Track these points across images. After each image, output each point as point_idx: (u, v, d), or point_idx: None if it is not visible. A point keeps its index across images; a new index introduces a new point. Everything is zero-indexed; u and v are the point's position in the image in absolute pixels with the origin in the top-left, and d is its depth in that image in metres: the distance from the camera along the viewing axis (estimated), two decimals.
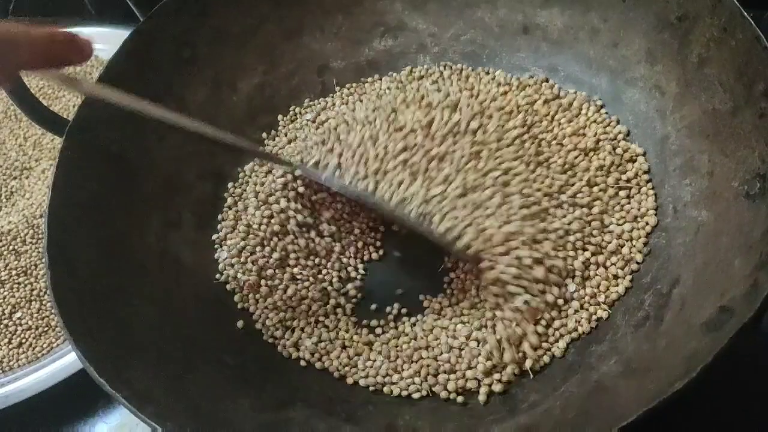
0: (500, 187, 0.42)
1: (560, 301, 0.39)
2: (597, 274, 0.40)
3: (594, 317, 0.39)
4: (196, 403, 0.36)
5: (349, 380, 0.40)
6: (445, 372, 0.39)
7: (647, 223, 0.41)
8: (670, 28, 0.42)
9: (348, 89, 0.53)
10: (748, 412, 0.39)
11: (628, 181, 0.43)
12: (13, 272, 0.57)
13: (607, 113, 0.46)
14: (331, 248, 0.45)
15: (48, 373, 0.51)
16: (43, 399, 0.49)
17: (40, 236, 0.57)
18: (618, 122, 0.45)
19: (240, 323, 0.43)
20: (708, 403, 0.38)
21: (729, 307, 0.32)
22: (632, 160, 0.44)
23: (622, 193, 0.42)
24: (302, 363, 0.42)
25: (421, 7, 0.53)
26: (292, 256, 0.45)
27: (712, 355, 0.28)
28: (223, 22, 0.51)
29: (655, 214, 0.41)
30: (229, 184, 0.49)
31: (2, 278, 0.56)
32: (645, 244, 0.41)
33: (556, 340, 0.39)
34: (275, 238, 0.45)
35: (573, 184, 0.43)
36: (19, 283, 0.56)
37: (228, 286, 0.45)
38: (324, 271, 0.45)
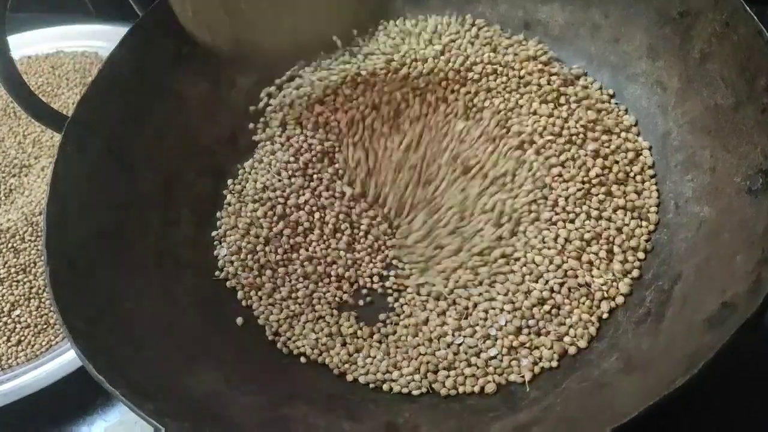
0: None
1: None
2: (599, 275, 0.40)
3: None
4: (195, 401, 0.36)
5: (349, 377, 0.40)
6: (444, 369, 0.39)
7: (649, 221, 0.41)
8: (672, 24, 0.42)
9: None
10: (750, 408, 0.39)
11: (633, 177, 0.42)
12: (12, 270, 0.56)
13: (617, 103, 0.46)
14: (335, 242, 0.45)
15: (47, 370, 0.51)
16: (42, 397, 0.49)
17: (39, 234, 0.57)
18: (626, 112, 0.45)
19: (239, 320, 0.43)
20: (710, 400, 0.38)
21: (731, 303, 0.31)
22: (638, 154, 0.43)
23: (629, 189, 0.42)
24: (302, 360, 0.41)
25: (422, 2, 0.53)
26: (294, 252, 0.45)
27: (714, 352, 0.28)
28: None
29: (657, 212, 0.41)
30: (229, 181, 0.49)
31: (1, 276, 0.56)
32: (647, 241, 0.40)
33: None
34: (276, 235, 0.45)
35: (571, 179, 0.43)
36: (18, 281, 0.56)
37: (228, 284, 0.44)
38: (327, 267, 0.45)
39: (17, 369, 0.52)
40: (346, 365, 0.41)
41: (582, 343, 0.38)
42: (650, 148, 0.43)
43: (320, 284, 0.44)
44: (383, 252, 0.45)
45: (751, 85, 0.37)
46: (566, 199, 0.42)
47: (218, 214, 0.48)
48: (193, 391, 0.36)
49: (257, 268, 0.44)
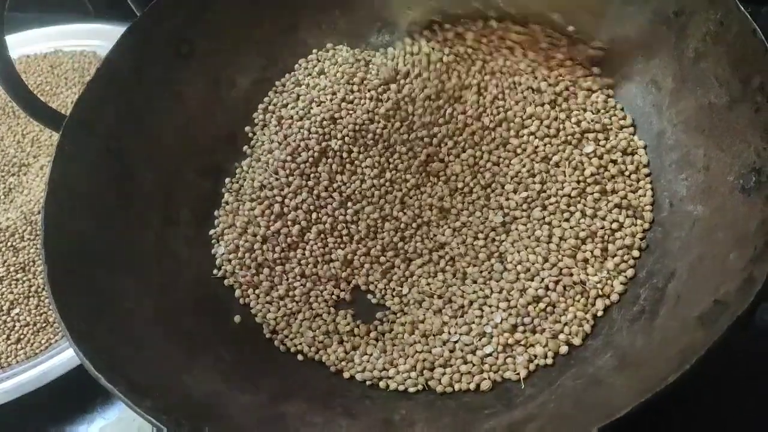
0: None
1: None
2: (594, 273, 0.40)
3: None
4: (193, 398, 0.36)
5: (346, 374, 0.41)
6: (440, 366, 0.39)
7: (644, 219, 0.41)
8: (667, 23, 0.42)
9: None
10: (742, 407, 0.39)
11: (628, 176, 0.43)
12: (12, 268, 0.57)
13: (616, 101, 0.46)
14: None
15: (46, 369, 0.51)
16: (42, 395, 0.49)
17: (38, 233, 0.57)
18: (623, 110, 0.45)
19: (237, 318, 0.43)
20: (702, 398, 0.38)
21: (723, 300, 0.32)
22: (633, 153, 0.43)
23: (619, 186, 0.42)
24: (299, 357, 0.42)
25: None
26: (292, 250, 0.45)
27: (705, 349, 0.28)
28: (221, 17, 0.50)
29: (651, 210, 0.41)
30: (227, 180, 0.49)
31: (0, 274, 0.57)
32: (642, 239, 0.41)
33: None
34: (273, 234, 0.45)
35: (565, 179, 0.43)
36: (17, 280, 0.56)
37: (226, 282, 0.45)
38: (324, 266, 0.45)
39: (16, 367, 0.53)
40: (343, 363, 0.41)
41: (577, 341, 0.38)
42: (645, 147, 0.43)
43: (317, 283, 0.44)
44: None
45: (745, 85, 0.37)
46: (561, 198, 0.42)
47: (216, 212, 0.48)
48: (191, 389, 0.36)
49: (255, 267, 0.45)
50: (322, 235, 0.46)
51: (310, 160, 0.47)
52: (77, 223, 0.40)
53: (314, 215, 0.46)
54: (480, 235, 0.43)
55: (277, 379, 0.40)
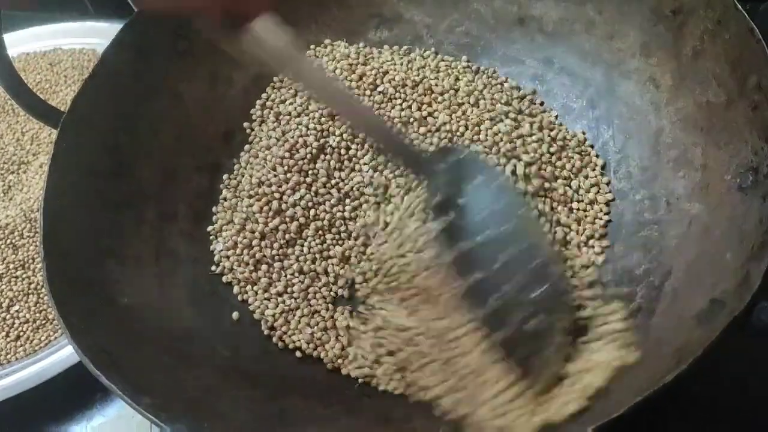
0: None
1: None
2: None
3: None
4: (192, 395, 0.36)
5: (344, 371, 0.41)
6: None
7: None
8: (665, 21, 0.42)
9: None
10: (739, 405, 0.39)
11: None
12: (11, 266, 0.57)
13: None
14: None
15: (45, 365, 0.51)
16: (41, 391, 0.49)
17: (38, 230, 0.57)
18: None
19: (235, 315, 0.43)
20: (700, 396, 0.38)
21: (720, 299, 0.32)
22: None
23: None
24: (297, 354, 0.42)
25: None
26: (290, 247, 0.45)
27: (702, 348, 0.28)
28: None
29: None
30: (225, 176, 0.49)
31: (0, 272, 0.57)
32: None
33: None
34: (271, 230, 0.45)
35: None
36: (16, 277, 0.56)
37: (224, 278, 0.45)
38: (322, 262, 0.45)
39: (16, 364, 0.53)
40: (340, 360, 0.41)
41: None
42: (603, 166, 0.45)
43: (315, 279, 0.44)
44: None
45: (743, 83, 0.37)
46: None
47: (214, 209, 0.48)
48: (189, 386, 0.36)
49: (253, 263, 0.45)
50: (320, 232, 0.46)
51: (308, 156, 0.47)
52: (75, 220, 0.40)
53: (312, 212, 0.46)
54: None
55: (276, 377, 0.40)
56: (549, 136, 0.46)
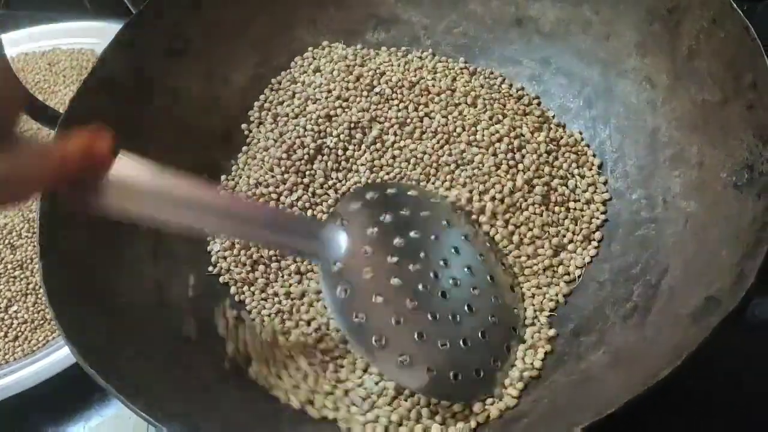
0: None
1: None
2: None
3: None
4: (188, 394, 0.36)
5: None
6: None
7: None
8: (661, 20, 0.42)
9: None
10: (734, 401, 0.39)
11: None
12: (9, 266, 0.57)
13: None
14: None
15: (44, 366, 0.51)
16: (39, 391, 0.49)
17: (35, 230, 0.58)
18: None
19: (234, 313, 0.43)
20: (695, 393, 0.38)
21: (716, 296, 0.32)
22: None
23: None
24: None
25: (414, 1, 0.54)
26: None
27: (696, 345, 0.28)
28: (215, 14, 0.51)
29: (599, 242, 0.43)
30: (222, 177, 0.49)
31: None
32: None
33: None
34: None
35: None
36: (15, 277, 0.57)
37: (221, 279, 0.45)
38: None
39: (14, 364, 0.53)
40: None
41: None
42: (600, 166, 0.45)
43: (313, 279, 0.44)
44: None
45: (738, 82, 0.37)
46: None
47: None
48: (185, 385, 0.36)
49: (250, 264, 0.45)
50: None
51: (306, 157, 0.47)
52: (72, 220, 0.40)
53: (310, 212, 0.46)
54: None
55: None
56: (546, 136, 0.46)
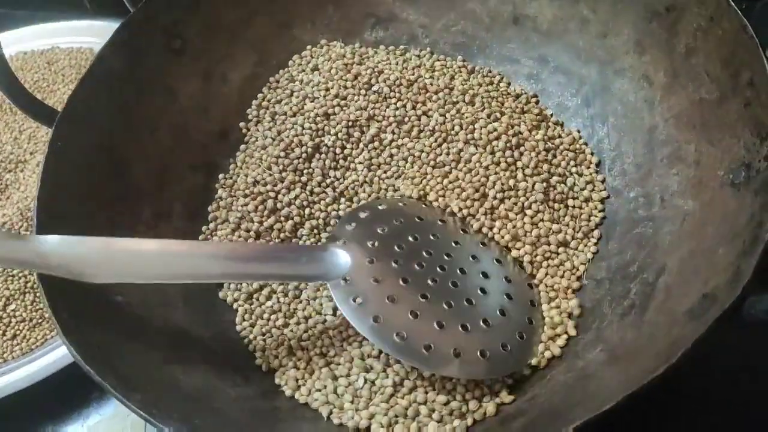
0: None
1: None
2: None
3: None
4: (184, 392, 0.36)
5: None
6: None
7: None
8: (658, 18, 0.42)
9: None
10: (731, 399, 0.39)
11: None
12: None
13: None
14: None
15: (42, 364, 0.51)
16: (38, 390, 0.49)
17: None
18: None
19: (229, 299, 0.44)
20: (692, 390, 0.38)
21: (712, 294, 0.32)
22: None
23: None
24: None
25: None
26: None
27: (691, 342, 0.28)
28: (213, 13, 0.51)
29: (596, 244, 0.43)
30: (220, 176, 0.49)
31: None
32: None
33: None
34: (266, 229, 0.45)
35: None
36: (13, 276, 0.56)
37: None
38: None
39: (12, 363, 0.53)
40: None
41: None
42: (598, 164, 0.45)
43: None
44: None
45: (735, 80, 0.37)
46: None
47: (209, 208, 0.48)
48: (182, 383, 0.36)
49: None
50: (315, 231, 0.46)
51: (304, 155, 0.47)
52: (70, 218, 0.40)
53: (307, 211, 0.46)
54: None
55: (268, 374, 0.40)
56: (544, 134, 0.46)
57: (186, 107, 0.49)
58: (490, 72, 0.51)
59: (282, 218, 0.46)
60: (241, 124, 0.51)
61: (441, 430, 0.36)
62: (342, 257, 0.40)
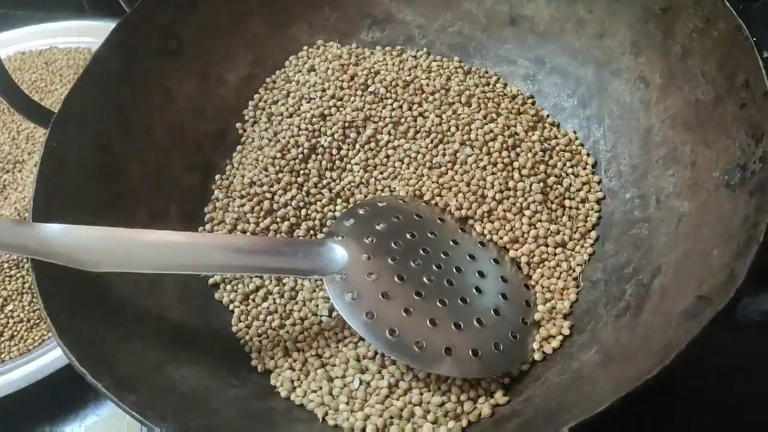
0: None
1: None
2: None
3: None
4: (179, 393, 0.36)
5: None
6: None
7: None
8: (655, 19, 0.42)
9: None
10: (725, 400, 0.39)
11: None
12: (5, 265, 0.57)
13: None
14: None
15: (40, 365, 0.51)
16: (35, 390, 0.50)
17: None
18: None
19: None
20: (686, 391, 0.38)
21: (707, 296, 0.32)
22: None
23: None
24: None
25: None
26: None
27: (685, 344, 0.28)
28: (210, 13, 0.51)
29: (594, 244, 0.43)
30: (217, 176, 0.49)
31: None
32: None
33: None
34: (263, 230, 0.45)
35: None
36: (10, 276, 0.56)
37: (210, 280, 0.45)
38: None
39: (10, 363, 0.53)
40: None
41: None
42: (594, 165, 0.45)
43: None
44: None
45: (731, 81, 0.37)
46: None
47: (206, 208, 0.48)
48: (177, 384, 0.36)
49: None
50: (312, 232, 0.46)
51: (300, 156, 0.47)
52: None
53: (304, 212, 0.46)
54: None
55: (264, 376, 0.40)
56: (540, 135, 0.46)
57: (182, 108, 0.49)
58: (486, 73, 0.51)
59: (278, 219, 0.46)
60: (238, 125, 0.51)
61: None
62: (339, 252, 0.40)
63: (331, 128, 0.48)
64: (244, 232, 0.45)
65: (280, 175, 0.47)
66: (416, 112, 0.48)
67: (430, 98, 0.48)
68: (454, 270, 0.40)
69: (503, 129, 0.46)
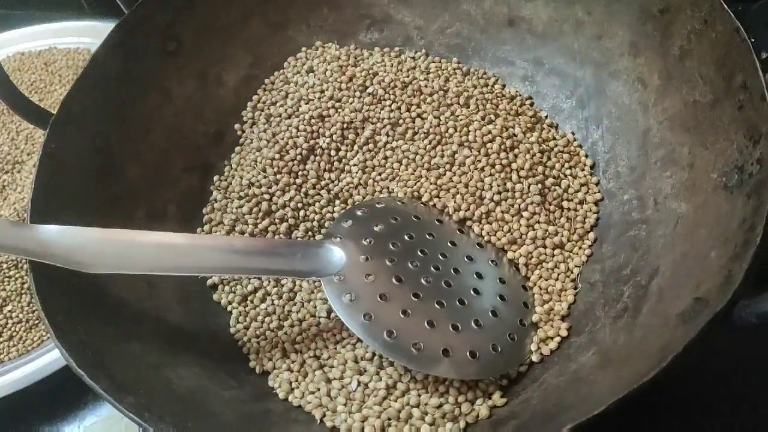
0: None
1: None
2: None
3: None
4: (177, 394, 0.36)
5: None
6: None
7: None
8: (653, 21, 0.42)
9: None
10: (722, 402, 0.39)
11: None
12: (4, 266, 0.57)
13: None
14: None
15: (38, 365, 0.51)
16: (34, 391, 0.50)
17: None
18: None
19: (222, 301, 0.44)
20: (683, 393, 0.38)
21: (704, 298, 0.32)
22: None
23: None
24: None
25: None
26: None
27: (682, 346, 0.28)
28: (208, 14, 0.51)
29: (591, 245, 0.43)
30: (215, 177, 0.49)
31: None
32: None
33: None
34: (261, 231, 0.45)
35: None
36: (9, 277, 0.57)
37: (208, 281, 0.45)
38: None
39: (9, 364, 0.53)
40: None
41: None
42: (593, 166, 0.45)
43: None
44: None
45: (728, 82, 0.37)
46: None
47: (204, 209, 0.48)
48: (174, 386, 0.36)
49: None
50: (310, 233, 0.46)
51: (299, 157, 0.47)
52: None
53: (302, 213, 0.46)
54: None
55: (262, 377, 0.40)
56: (539, 136, 0.46)
57: (181, 109, 0.49)
58: (485, 74, 0.51)
59: (276, 220, 0.46)
60: (236, 126, 0.51)
61: None
62: (337, 254, 0.40)
63: (329, 129, 0.48)
64: (242, 233, 0.46)
65: (278, 176, 0.47)
66: (414, 113, 0.48)
67: (429, 99, 0.48)
68: (452, 271, 0.40)
69: (501, 130, 0.46)
